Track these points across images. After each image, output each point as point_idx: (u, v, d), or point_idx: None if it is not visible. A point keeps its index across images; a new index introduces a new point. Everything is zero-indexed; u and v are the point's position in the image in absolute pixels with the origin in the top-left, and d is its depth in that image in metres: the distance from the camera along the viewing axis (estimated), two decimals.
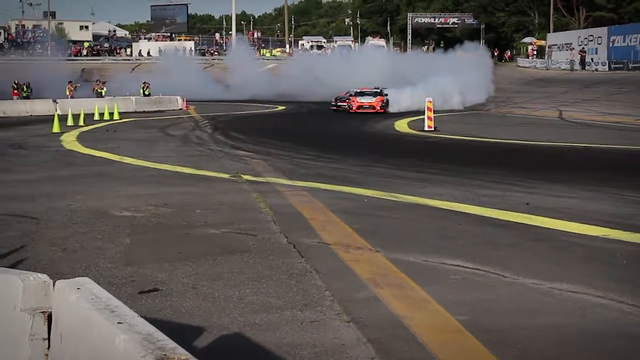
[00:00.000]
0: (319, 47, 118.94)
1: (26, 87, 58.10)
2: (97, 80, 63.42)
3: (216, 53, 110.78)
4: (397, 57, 73.36)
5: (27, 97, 55.51)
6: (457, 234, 11.88)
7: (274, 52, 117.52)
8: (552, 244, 11.07)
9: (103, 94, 57.45)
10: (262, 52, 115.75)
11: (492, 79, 60.46)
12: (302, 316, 7.64)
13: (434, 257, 10.08)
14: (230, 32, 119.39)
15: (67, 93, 57.23)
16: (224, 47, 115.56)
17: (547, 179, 18.04)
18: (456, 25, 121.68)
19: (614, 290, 8.42)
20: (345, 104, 49.92)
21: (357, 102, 48.85)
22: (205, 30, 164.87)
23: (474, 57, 66.13)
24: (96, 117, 43.24)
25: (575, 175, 18.97)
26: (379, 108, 48.40)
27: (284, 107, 56.49)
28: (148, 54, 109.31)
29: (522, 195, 15.47)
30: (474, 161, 22.45)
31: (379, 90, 50.59)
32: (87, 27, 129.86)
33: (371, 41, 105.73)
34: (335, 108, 50.39)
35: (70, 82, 60.56)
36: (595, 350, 6.86)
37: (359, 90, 50.86)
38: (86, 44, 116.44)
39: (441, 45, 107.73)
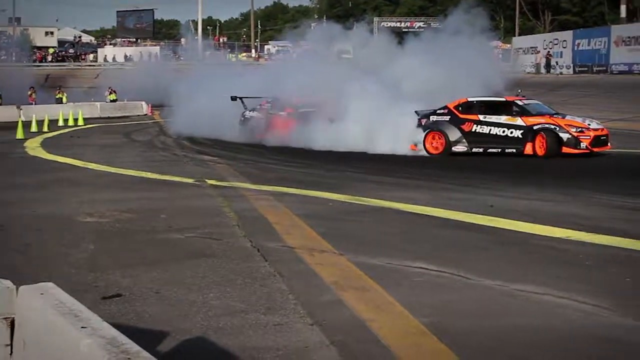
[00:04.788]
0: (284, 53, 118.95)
1: None
2: (58, 87, 63.03)
3: (181, 58, 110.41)
4: None
5: None
6: (423, 237, 11.92)
7: (239, 56, 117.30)
8: (517, 246, 11.14)
9: (64, 100, 57.09)
10: (228, 56, 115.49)
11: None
12: (266, 320, 7.63)
13: (399, 260, 10.09)
14: (196, 37, 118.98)
15: (29, 99, 56.90)
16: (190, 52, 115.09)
17: (514, 182, 18.16)
18: (422, 29, 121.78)
19: (577, 292, 8.46)
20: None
21: (591, 130, 24.82)
22: (171, 35, 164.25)
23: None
24: (60, 123, 43.05)
25: (542, 178, 19.12)
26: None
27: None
28: (114, 59, 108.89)
29: (490, 198, 15.54)
30: (443, 165, 22.56)
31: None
32: (52, 33, 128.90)
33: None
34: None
35: (32, 87, 60.24)
36: (558, 351, 6.88)
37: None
38: (51, 50, 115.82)
39: None
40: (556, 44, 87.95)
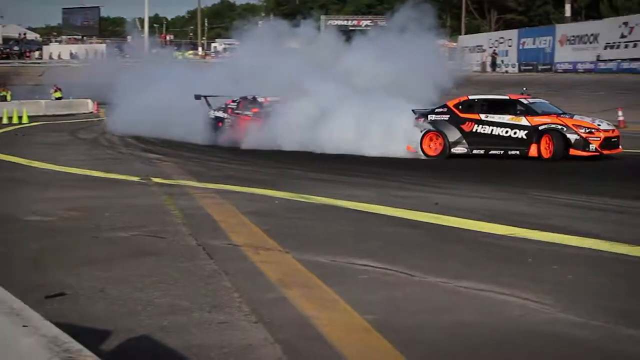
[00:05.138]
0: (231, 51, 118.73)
1: None
2: (2, 84, 62.53)
3: (127, 56, 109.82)
4: None
5: None
6: (369, 234, 11.94)
7: (186, 54, 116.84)
8: (461, 243, 11.19)
9: (8, 98, 56.62)
10: (174, 54, 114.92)
11: None
12: (211, 318, 7.60)
13: (344, 258, 10.09)
14: (142, 35, 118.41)
15: None
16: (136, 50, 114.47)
17: (461, 180, 18.28)
18: (369, 28, 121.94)
19: (520, 288, 8.51)
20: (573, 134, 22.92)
21: (601, 130, 23.21)
22: (117, 33, 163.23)
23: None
24: (5, 121, 42.79)
25: (489, 176, 19.25)
26: None
27: None
28: (59, 57, 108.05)
29: (435, 195, 15.60)
30: (388, 162, 22.61)
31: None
32: None
33: None
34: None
35: None
36: (501, 347, 6.93)
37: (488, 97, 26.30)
38: None
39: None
40: (502, 43, 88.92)
